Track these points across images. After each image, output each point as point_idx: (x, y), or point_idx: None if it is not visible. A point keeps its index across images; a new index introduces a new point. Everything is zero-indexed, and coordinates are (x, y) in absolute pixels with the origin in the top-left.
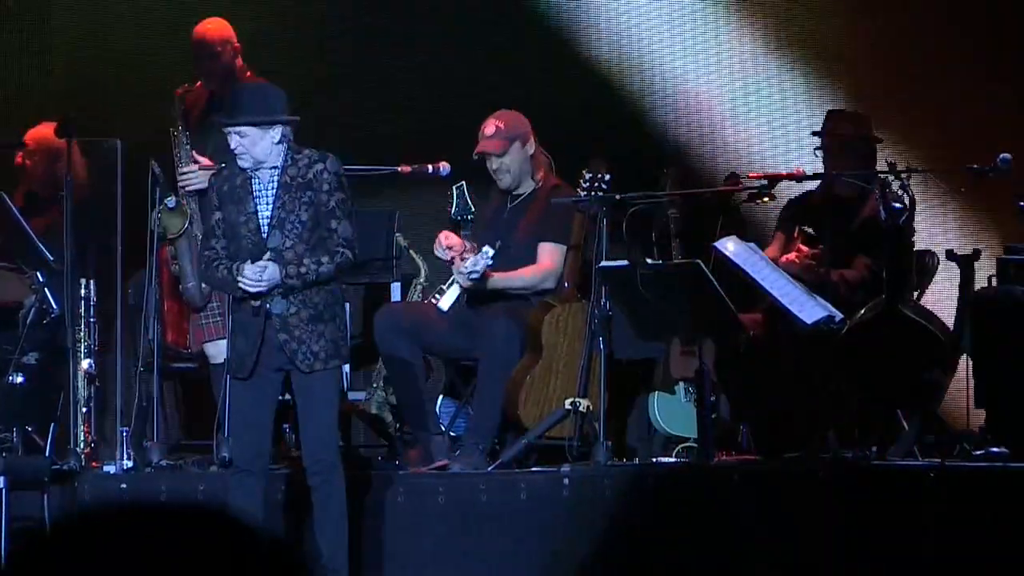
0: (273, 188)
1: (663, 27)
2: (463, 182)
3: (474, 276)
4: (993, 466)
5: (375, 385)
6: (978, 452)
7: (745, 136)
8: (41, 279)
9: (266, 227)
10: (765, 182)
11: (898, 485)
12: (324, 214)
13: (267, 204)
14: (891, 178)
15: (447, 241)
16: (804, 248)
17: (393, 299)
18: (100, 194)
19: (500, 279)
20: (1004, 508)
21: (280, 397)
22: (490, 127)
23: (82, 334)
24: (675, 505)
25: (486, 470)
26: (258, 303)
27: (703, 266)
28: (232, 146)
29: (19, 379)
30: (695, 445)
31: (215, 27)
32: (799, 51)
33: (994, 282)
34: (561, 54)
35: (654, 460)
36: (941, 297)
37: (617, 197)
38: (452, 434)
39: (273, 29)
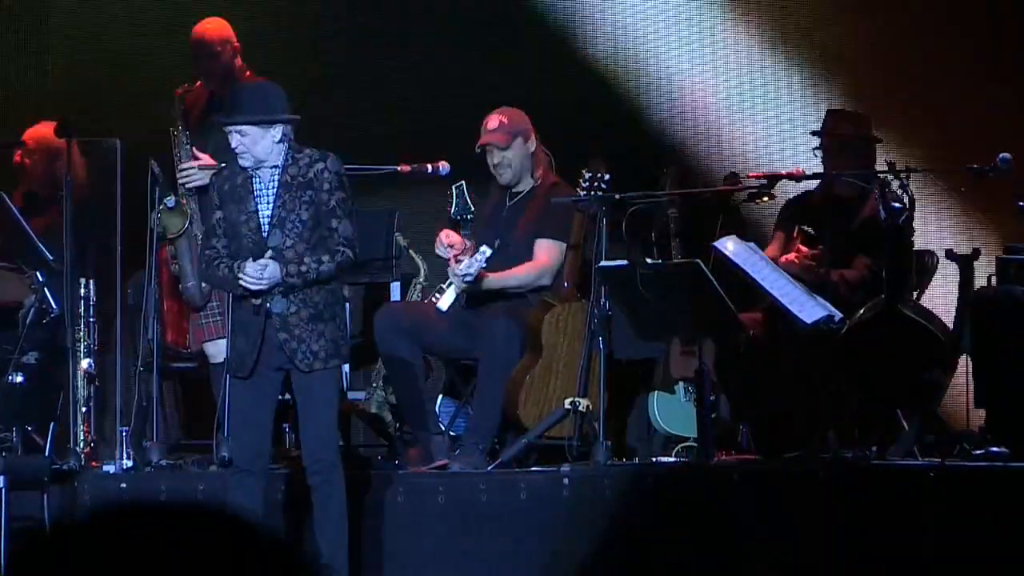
0: (274, 187)
1: (662, 26)
2: (463, 181)
3: (468, 279)
4: (993, 466)
5: (375, 385)
6: (978, 452)
7: (744, 135)
8: (41, 279)
9: (267, 226)
10: (765, 182)
11: (898, 485)
12: (325, 213)
13: (268, 203)
14: (891, 178)
15: (448, 240)
16: (804, 248)
17: (393, 299)
18: (100, 194)
19: (495, 279)
20: (1004, 508)
21: (280, 397)
22: (493, 121)
23: (82, 334)
24: (675, 505)
25: (486, 470)
26: (259, 301)
27: (703, 266)
28: (233, 145)
29: (19, 379)
30: (695, 445)
31: (214, 27)
32: (799, 50)
33: (994, 282)
34: (559, 53)
35: (654, 460)
36: (941, 297)
37: (617, 197)
38: (452, 434)
39: (268, 29)
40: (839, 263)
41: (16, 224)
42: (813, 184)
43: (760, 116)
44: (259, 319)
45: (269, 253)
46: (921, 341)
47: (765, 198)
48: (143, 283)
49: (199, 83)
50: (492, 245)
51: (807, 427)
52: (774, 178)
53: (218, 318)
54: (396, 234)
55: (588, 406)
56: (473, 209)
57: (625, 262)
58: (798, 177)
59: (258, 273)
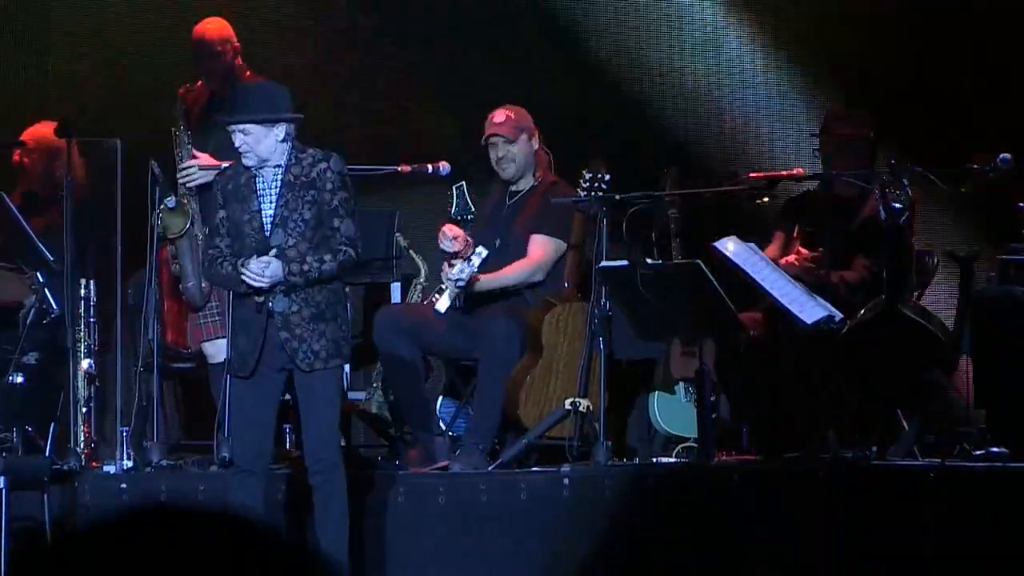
0: (277, 187)
1: (662, 25)
2: (463, 182)
3: (460, 284)
4: (993, 466)
5: (375, 385)
6: (978, 452)
7: (745, 136)
8: (41, 279)
9: (269, 225)
10: (765, 182)
11: (898, 485)
12: (327, 213)
13: (270, 202)
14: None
15: (452, 232)
16: (804, 250)
17: (393, 299)
18: (100, 194)
19: (489, 280)
20: (1004, 508)
21: (280, 397)
22: (500, 115)
23: (82, 334)
24: (675, 505)
25: (486, 470)
26: (261, 299)
27: (703, 266)
28: (236, 144)
29: (19, 379)
30: (695, 445)
31: (215, 27)
32: (799, 50)
33: (994, 282)
34: (560, 53)
35: (654, 460)
36: (941, 297)
37: (617, 197)
38: (452, 434)
39: (268, 29)
40: (839, 264)
41: (16, 224)
42: (813, 184)
43: (760, 116)
44: (261, 318)
45: (273, 252)
46: (921, 341)
47: (765, 198)
48: (143, 283)
49: (200, 83)
50: (492, 245)
51: (807, 427)
52: (774, 178)
53: (217, 318)
54: (396, 234)
55: (588, 406)
56: (473, 209)
57: (625, 262)
58: (798, 177)
59: (260, 270)
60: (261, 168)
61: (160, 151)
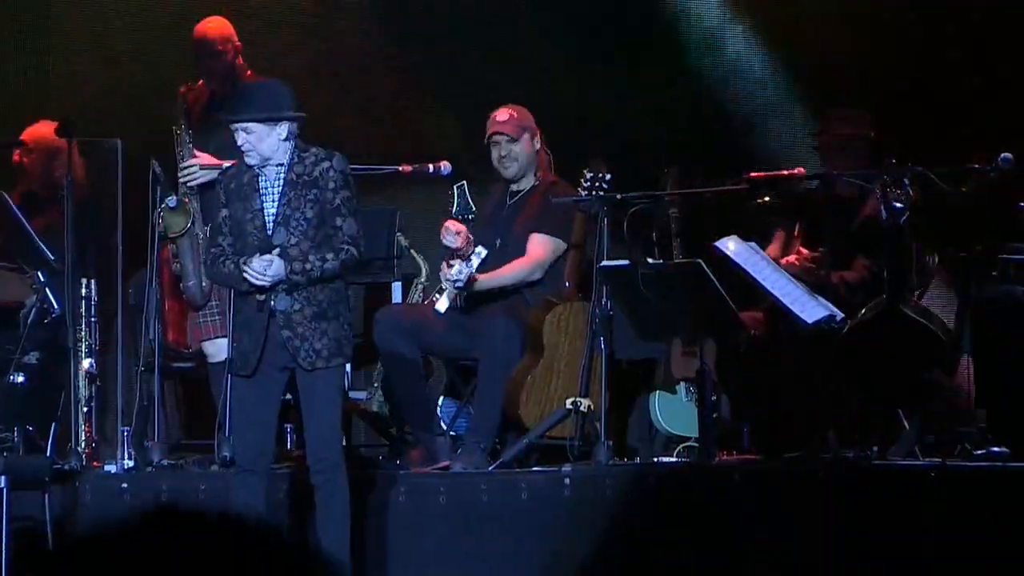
0: (279, 185)
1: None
2: (464, 181)
3: (458, 285)
4: (994, 466)
5: (375, 385)
6: (979, 452)
7: (745, 136)
8: (42, 279)
9: (271, 224)
10: (765, 182)
11: (899, 485)
12: (330, 212)
13: (273, 201)
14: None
15: (455, 227)
16: (804, 251)
17: (394, 299)
18: (100, 194)
19: (487, 280)
20: (1005, 508)
21: (282, 396)
22: (503, 114)
23: (83, 334)
24: (676, 505)
25: (487, 470)
26: (263, 298)
27: (704, 266)
28: (239, 143)
29: (20, 379)
30: (696, 445)
31: (216, 26)
32: (799, 50)
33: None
34: (560, 53)
35: (655, 460)
36: (941, 297)
37: (618, 197)
38: (453, 434)
39: (268, 29)
40: (839, 263)
41: (17, 224)
42: (813, 184)
43: (760, 116)
44: (263, 316)
45: (276, 251)
46: (922, 341)
47: (766, 198)
48: (144, 283)
49: (201, 82)
50: (492, 244)
51: (808, 427)
52: (774, 178)
53: (216, 317)
54: (397, 234)
55: (589, 406)
56: (474, 209)
57: (626, 262)
58: (799, 177)
59: (262, 269)
60: (264, 167)
61: (161, 151)
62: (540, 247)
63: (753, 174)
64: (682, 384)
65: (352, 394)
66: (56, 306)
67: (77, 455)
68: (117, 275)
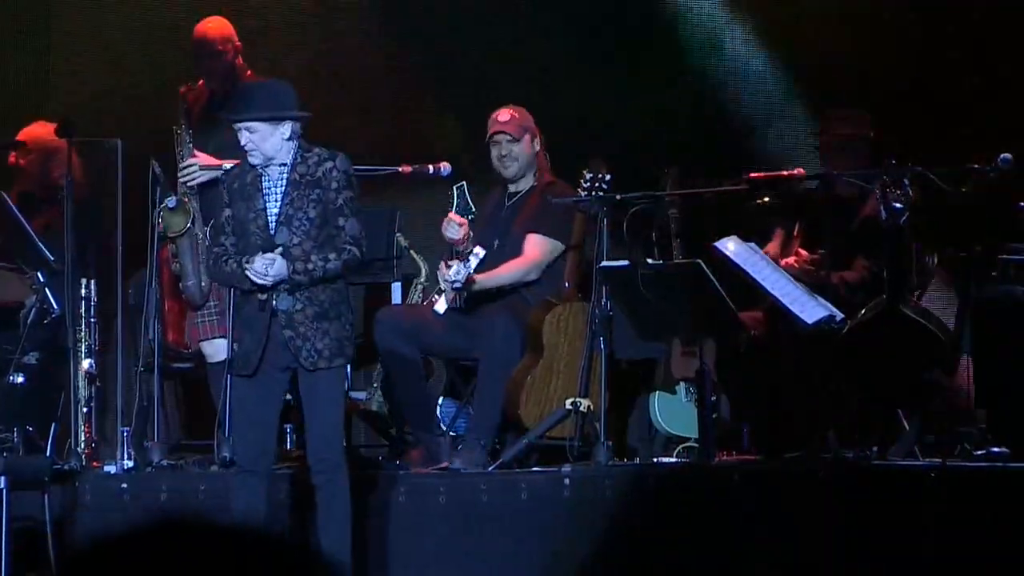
0: (282, 185)
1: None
2: (464, 182)
3: (456, 286)
4: (994, 466)
5: (375, 385)
6: (979, 452)
7: (746, 136)
8: (42, 279)
9: (274, 223)
10: (765, 183)
11: (899, 485)
12: (332, 212)
13: (276, 201)
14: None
15: (458, 219)
16: (803, 252)
17: (394, 299)
18: (99, 194)
19: (484, 280)
20: (1005, 508)
21: (283, 396)
22: (505, 114)
23: (83, 334)
24: (676, 505)
25: (487, 470)
26: (265, 297)
27: (704, 266)
28: (242, 142)
29: (20, 379)
30: (696, 445)
31: (216, 26)
32: (799, 50)
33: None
34: (560, 53)
35: (655, 460)
36: (941, 297)
37: (618, 197)
38: (452, 434)
39: (268, 29)
40: (839, 263)
41: (17, 224)
42: (813, 184)
43: (760, 116)
44: (264, 316)
45: (278, 250)
46: (922, 341)
47: (765, 198)
48: (144, 283)
49: (201, 82)
50: (491, 245)
51: (808, 427)
52: (774, 179)
53: (215, 317)
54: (397, 234)
55: (589, 406)
56: (474, 209)
57: (626, 262)
58: (799, 177)
59: (264, 268)
60: (267, 166)
61: (161, 151)
62: (537, 248)
63: (753, 174)
64: (682, 384)
65: (352, 394)
66: (56, 306)
67: (77, 455)
68: (117, 275)
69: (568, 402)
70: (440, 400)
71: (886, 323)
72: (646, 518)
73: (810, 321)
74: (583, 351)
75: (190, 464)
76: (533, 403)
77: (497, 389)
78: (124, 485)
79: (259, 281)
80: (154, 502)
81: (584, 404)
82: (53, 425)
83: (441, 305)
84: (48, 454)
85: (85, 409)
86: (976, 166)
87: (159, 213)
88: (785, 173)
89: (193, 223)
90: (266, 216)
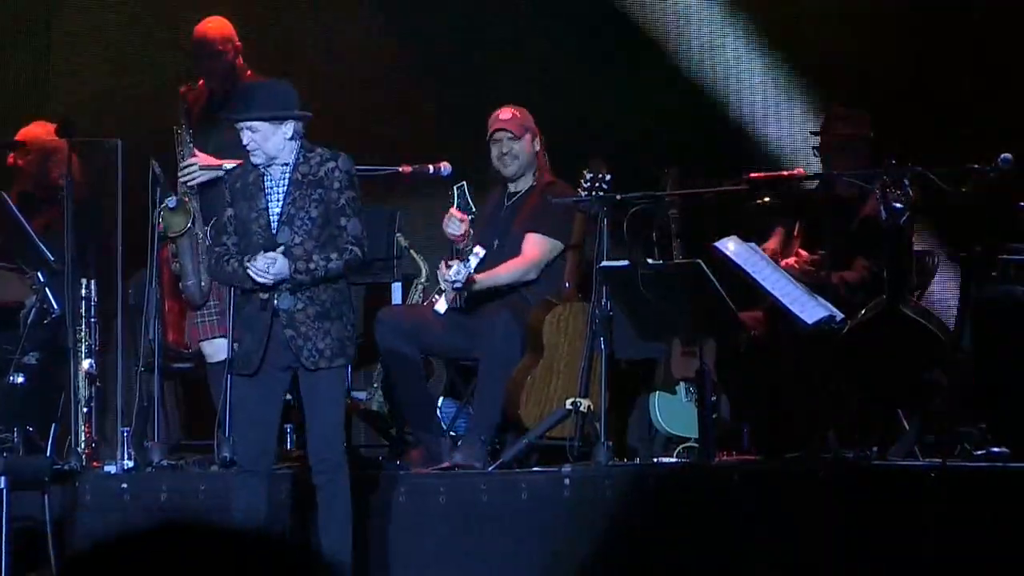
0: (284, 184)
1: (663, 24)
2: (464, 182)
3: (457, 286)
4: (994, 466)
5: (375, 385)
6: (979, 452)
7: (745, 136)
8: (42, 279)
9: (276, 223)
10: (765, 182)
11: (899, 485)
12: (334, 211)
13: (278, 200)
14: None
15: (460, 214)
16: (804, 253)
17: (394, 299)
18: (99, 194)
19: (484, 279)
20: (1005, 508)
21: (284, 396)
22: (506, 112)
23: (83, 334)
24: (676, 505)
25: (487, 470)
26: (266, 296)
27: (704, 266)
28: (244, 142)
29: (20, 379)
30: (696, 445)
31: (216, 26)
32: (799, 50)
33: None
34: (561, 53)
35: (655, 460)
36: (941, 297)
37: (618, 197)
38: (452, 434)
39: (268, 29)
40: (839, 263)
41: (17, 224)
42: (813, 184)
43: (760, 116)
44: (265, 315)
45: (280, 249)
46: (922, 341)
47: (766, 198)
48: (144, 283)
49: (201, 81)
50: (491, 245)
51: (808, 427)
52: (774, 179)
53: (215, 317)
54: (397, 235)
55: (589, 406)
56: (475, 209)
57: (626, 262)
58: (799, 177)
59: (266, 266)
60: (269, 166)
61: (161, 151)
62: (536, 247)
63: (753, 174)
64: (682, 384)
65: (353, 394)
66: (56, 306)
67: (77, 455)
68: (117, 275)
69: (568, 402)
70: (440, 400)
71: (886, 323)
72: (646, 518)
73: (810, 321)
74: (583, 351)
75: (190, 464)
76: (533, 403)
77: (497, 388)
78: (124, 485)
79: (260, 279)
80: (154, 502)
81: (584, 404)
82: (53, 425)
83: (442, 305)
84: (48, 454)
85: (85, 409)
86: (976, 166)
87: (159, 213)
88: (785, 173)
89: (193, 223)
90: (268, 216)
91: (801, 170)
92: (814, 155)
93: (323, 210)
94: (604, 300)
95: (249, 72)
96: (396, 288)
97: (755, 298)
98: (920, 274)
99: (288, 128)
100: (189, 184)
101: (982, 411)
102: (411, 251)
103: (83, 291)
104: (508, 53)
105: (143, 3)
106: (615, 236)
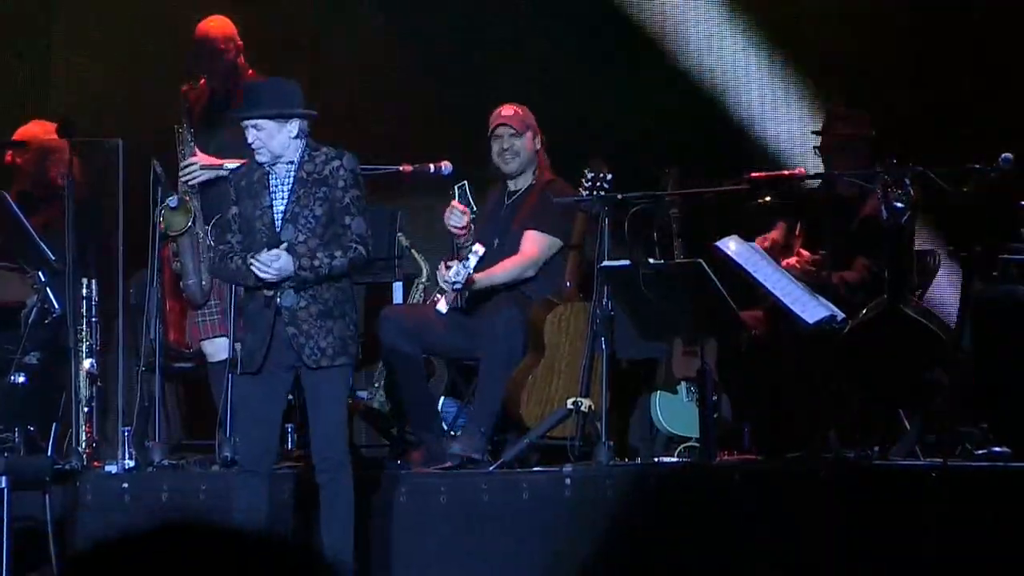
0: (289, 183)
1: (663, 24)
2: (464, 181)
3: (457, 286)
4: (995, 466)
5: (377, 385)
6: (980, 452)
7: (747, 136)
8: (43, 279)
9: (280, 221)
10: (765, 182)
11: (900, 485)
12: (339, 210)
13: (282, 199)
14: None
15: (461, 207)
16: (804, 253)
17: (395, 299)
18: (99, 194)
19: (483, 278)
20: (1006, 508)
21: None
22: (508, 109)
23: (84, 334)
24: (677, 505)
25: (485, 461)
26: (270, 293)
27: (705, 266)
28: (249, 140)
29: (21, 379)
30: (697, 445)
31: (218, 25)
32: (799, 50)
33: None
34: (560, 53)
35: (656, 460)
36: (942, 297)
37: (619, 197)
38: (454, 434)
39: (269, 28)
40: (839, 263)
41: (17, 224)
42: (814, 184)
43: (760, 116)
44: (268, 314)
45: (284, 246)
46: (923, 341)
47: (767, 198)
48: (145, 283)
49: (203, 80)
50: (491, 244)
51: (809, 427)
52: (775, 179)
53: (216, 316)
54: (398, 234)
55: (590, 406)
56: (475, 209)
57: (627, 262)
58: (799, 177)
59: (269, 261)
60: (274, 164)
61: (162, 151)
62: (535, 244)
63: (753, 174)
64: (683, 384)
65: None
66: (57, 306)
67: (78, 455)
68: (118, 275)
69: (569, 402)
70: (441, 400)
71: (887, 323)
72: (647, 518)
73: (811, 321)
74: (584, 351)
75: (191, 464)
76: (534, 403)
77: (498, 383)
78: (125, 485)
79: (263, 275)
80: (155, 502)
81: (585, 404)
82: (54, 425)
83: (443, 305)
84: (49, 454)
85: (86, 409)
86: (976, 166)
87: (160, 212)
88: (786, 173)
89: (194, 222)
90: (272, 213)
91: (802, 170)
92: (815, 155)
93: (327, 208)
94: (605, 300)
95: (251, 71)
96: (397, 288)
97: (756, 298)
98: (921, 274)
99: (293, 126)
100: (190, 183)
101: (983, 411)
102: (412, 251)
103: (84, 291)
104: (508, 53)
105: (143, 3)
106: (616, 236)
